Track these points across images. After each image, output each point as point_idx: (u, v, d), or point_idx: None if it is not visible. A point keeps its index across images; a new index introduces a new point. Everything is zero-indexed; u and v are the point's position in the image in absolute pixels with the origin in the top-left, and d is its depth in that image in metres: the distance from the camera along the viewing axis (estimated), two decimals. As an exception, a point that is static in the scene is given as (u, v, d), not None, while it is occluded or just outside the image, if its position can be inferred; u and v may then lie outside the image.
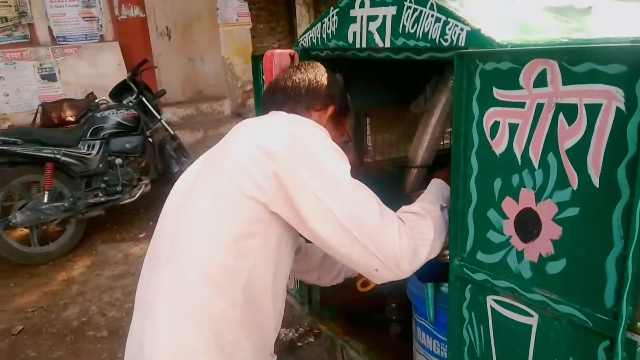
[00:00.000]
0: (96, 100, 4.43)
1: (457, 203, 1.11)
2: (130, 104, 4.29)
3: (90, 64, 5.16)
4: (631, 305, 0.84)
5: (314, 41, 1.55)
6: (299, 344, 2.77)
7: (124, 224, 4.47)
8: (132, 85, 4.33)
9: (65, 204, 3.84)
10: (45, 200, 3.77)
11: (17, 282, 3.59)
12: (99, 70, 5.16)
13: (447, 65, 1.78)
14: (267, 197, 1.06)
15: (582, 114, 0.85)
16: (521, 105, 0.95)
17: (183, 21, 6.44)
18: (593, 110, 0.84)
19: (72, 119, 4.66)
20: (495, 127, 1.00)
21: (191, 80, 6.64)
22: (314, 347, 2.75)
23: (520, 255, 1.01)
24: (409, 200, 2.04)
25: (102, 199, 4.06)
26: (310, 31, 1.57)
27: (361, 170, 1.79)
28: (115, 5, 5.44)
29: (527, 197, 0.97)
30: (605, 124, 0.83)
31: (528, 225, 0.98)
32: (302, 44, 1.63)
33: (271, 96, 1.31)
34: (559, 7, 1.33)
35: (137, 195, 4.25)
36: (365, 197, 1.08)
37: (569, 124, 0.88)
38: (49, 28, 5.13)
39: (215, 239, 1.06)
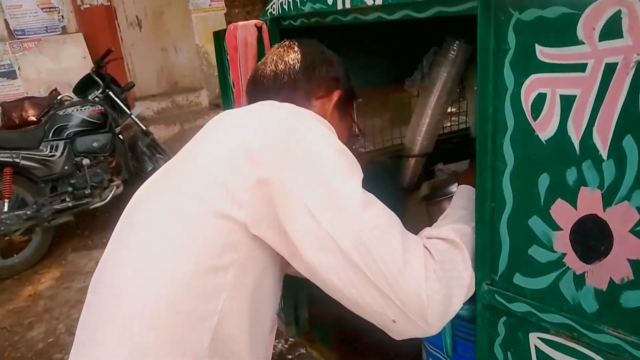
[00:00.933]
0: (59, 97, 4.08)
1: (484, 208, 0.81)
2: (96, 99, 3.96)
3: (53, 58, 4.78)
4: None
5: (285, 7, 1.24)
6: (290, 356, 2.50)
7: (96, 229, 4.14)
8: (97, 78, 4.00)
9: (28, 212, 3.49)
10: (6, 209, 3.43)
11: (-19, 297, 3.27)
12: (62, 64, 4.77)
13: (447, 32, 1.49)
14: (248, 215, 0.76)
15: (685, 76, 0.56)
16: (580, 68, 0.65)
17: (153, 9, 6.05)
18: None
19: (34, 119, 4.30)
20: (539, 101, 0.71)
21: (165, 71, 6.27)
22: (305, 359, 2.47)
23: (579, 280, 0.72)
24: (407, 196, 1.77)
25: (70, 204, 3.72)
26: (279, -5, 1.26)
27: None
28: (76, -7, 5.04)
29: (589, 200, 0.68)
30: None
31: (592, 238, 0.69)
32: (270, 12, 1.32)
33: (258, 85, 1.02)
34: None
35: (109, 198, 3.93)
36: (381, 219, 0.78)
37: (661, 92, 0.59)
38: (5, 21, 4.73)
39: (171, 274, 0.76)
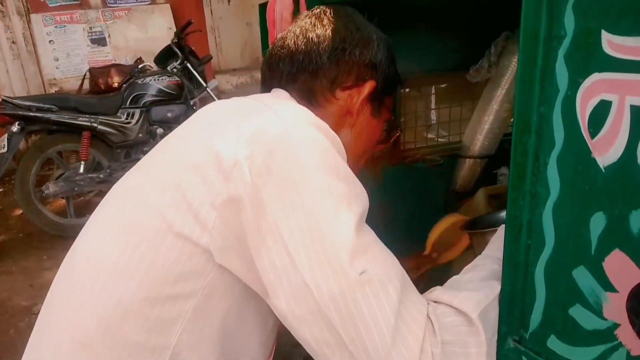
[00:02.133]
0: (140, 66, 4.19)
1: (519, 245, 0.62)
2: (174, 70, 4.03)
3: (141, 27, 4.93)
4: None
5: (326, -24, 1.08)
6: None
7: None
8: (177, 50, 4.06)
9: (101, 175, 3.64)
10: (82, 170, 3.60)
11: (50, 255, 3.46)
12: (149, 34, 4.92)
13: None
14: (212, 241, 0.62)
15: None
16: (665, 68, 0.45)
17: (242, -18, 6.06)
18: None
19: (119, 85, 4.48)
20: (601, 112, 0.50)
21: (249, 45, 6.30)
22: None
23: (635, 363, 0.52)
24: (456, 202, 1.55)
25: (142, 171, 3.83)
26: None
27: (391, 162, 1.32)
28: (168, -35, 5.15)
29: (661, 258, 0.48)
30: None
31: (658, 312, 0.49)
32: (310, -17, 1.16)
33: (272, 68, 0.85)
34: None
35: (178, 168, 4.00)
36: (376, 271, 0.60)
37: None
38: (100, -10, 4.95)
39: (113, 300, 0.65)
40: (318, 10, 0.88)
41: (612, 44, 0.48)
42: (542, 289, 0.61)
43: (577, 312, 0.57)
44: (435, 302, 0.65)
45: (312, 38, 0.82)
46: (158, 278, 0.63)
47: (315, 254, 0.59)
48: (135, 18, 4.94)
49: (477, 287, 0.67)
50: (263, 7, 1.44)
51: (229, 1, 6.24)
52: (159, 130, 3.91)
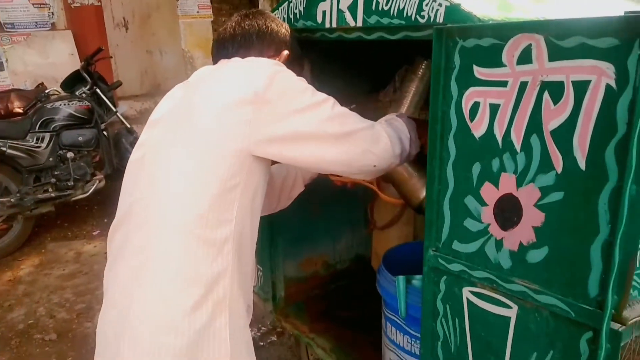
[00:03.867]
0: (46, 91, 4.19)
1: (433, 190, 1.05)
2: (84, 95, 4.09)
3: (41, 53, 4.89)
4: (617, 294, 0.80)
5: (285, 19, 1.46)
6: (261, 343, 2.68)
7: (76, 221, 4.25)
8: (86, 75, 4.13)
9: (12, 200, 3.60)
10: (-11, 195, 3.54)
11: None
12: (50, 59, 4.89)
13: (418, 53, 1.74)
14: (248, 138, 0.99)
15: (569, 92, 0.80)
16: (503, 84, 0.90)
17: (141, 12, 6.20)
18: (581, 88, 0.79)
19: (20, 110, 4.37)
20: (475, 108, 0.95)
21: (149, 73, 6.41)
22: (276, 346, 2.65)
23: (499, 244, 0.95)
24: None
25: (52, 195, 3.84)
26: (276, 12, 1.48)
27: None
28: (68, -8, 5.18)
29: (507, 182, 0.92)
30: (593, 102, 0.78)
31: (508, 211, 0.93)
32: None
33: (221, 46, 1.23)
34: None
35: (91, 191, 4.04)
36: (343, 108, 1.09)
37: (555, 103, 0.83)
38: (-4, 14, 4.84)
39: (198, 198, 0.98)
40: (244, 11, 1.28)
41: (479, 72, 0.93)
42: (448, 214, 1.03)
43: (468, 223, 1.00)
44: None
45: (243, 26, 1.21)
46: (224, 177, 0.98)
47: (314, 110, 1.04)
48: (34, 43, 4.89)
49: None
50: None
51: (126, 29, 6.33)
52: (69, 154, 3.94)
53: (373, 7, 1.15)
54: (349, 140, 1.05)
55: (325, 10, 1.29)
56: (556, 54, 0.81)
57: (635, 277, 1.00)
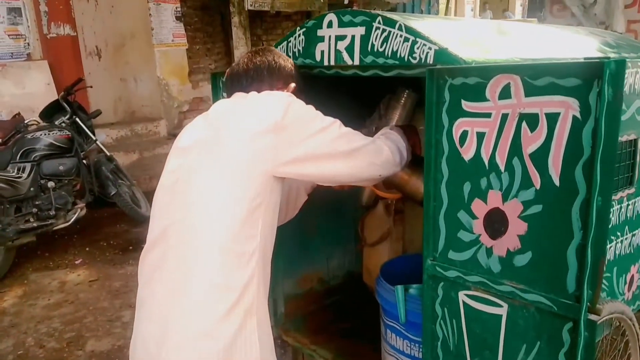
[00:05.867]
0: (26, 121, 4.21)
1: (429, 206, 1.20)
2: (63, 124, 4.13)
3: (17, 83, 4.90)
4: (591, 289, 0.96)
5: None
6: None
7: (57, 250, 4.23)
8: (65, 105, 4.17)
9: (-6, 231, 3.59)
10: (-30, 227, 3.52)
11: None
12: (26, 90, 4.91)
13: (400, 84, 1.91)
14: (272, 161, 1.13)
15: (543, 122, 0.97)
16: (488, 115, 1.06)
17: (115, 40, 6.28)
18: (552, 119, 0.96)
19: (2, 141, 4.39)
20: (464, 135, 1.11)
21: (124, 100, 6.46)
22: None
23: (489, 251, 1.11)
24: (361, 214, 2.15)
25: (34, 225, 3.83)
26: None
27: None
28: (44, 23, 5.22)
29: (494, 198, 1.08)
30: (563, 130, 0.95)
31: (496, 223, 1.09)
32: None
33: (235, 80, 1.36)
34: (501, 27, 1.49)
35: (72, 220, 4.04)
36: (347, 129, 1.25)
37: (532, 131, 1.00)
38: (-29, 45, 4.84)
39: (230, 216, 1.11)
40: (255, 49, 1.43)
41: (466, 105, 1.09)
42: (443, 227, 1.19)
43: (461, 234, 1.15)
44: None
45: (255, 62, 1.36)
46: (249, 198, 1.11)
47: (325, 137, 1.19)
48: (10, 74, 4.90)
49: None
50: (215, 76, 1.92)
51: (99, 57, 6.38)
52: (50, 184, 3.95)
53: (369, 49, 1.32)
54: (356, 156, 1.21)
55: (324, 50, 1.45)
56: (531, 90, 0.98)
57: (604, 281, 1.18)
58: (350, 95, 1.88)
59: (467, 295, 1.17)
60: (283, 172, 1.16)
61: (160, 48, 6.07)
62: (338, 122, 1.23)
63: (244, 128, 1.15)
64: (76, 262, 4.04)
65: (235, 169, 1.12)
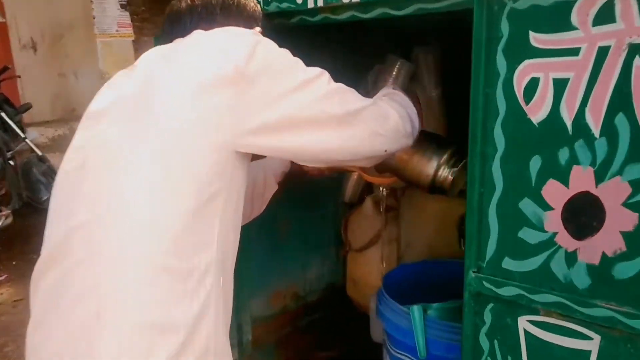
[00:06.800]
0: (-60, 117, 3.64)
1: (473, 194, 0.83)
2: (-15, 120, 3.60)
3: None
4: None
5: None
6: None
7: (-21, 263, 3.66)
8: (-12, 98, 3.65)
9: None
10: None
11: None
12: (-56, 81, 4.27)
13: (391, 52, 1.55)
14: (231, 129, 0.76)
15: (675, 55, 0.63)
16: (574, 52, 0.70)
17: (52, 31, 5.69)
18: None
19: None
20: (532, 86, 0.75)
21: (63, 97, 5.87)
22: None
23: (571, 257, 0.75)
24: (349, 211, 1.78)
25: (-51, 235, 3.27)
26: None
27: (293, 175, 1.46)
28: (-34, 7, 4.61)
29: (581, 178, 0.72)
30: None
31: (584, 215, 0.73)
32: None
33: (175, 21, 0.96)
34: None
35: (-4, 230, 3.53)
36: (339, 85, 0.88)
37: (652, 70, 0.64)
38: None
39: (168, 215, 0.72)
40: None
41: (537, 39, 0.73)
42: (495, 224, 0.82)
43: (524, 233, 0.79)
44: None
45: None
46: (200, 185, 0.74)
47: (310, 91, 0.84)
48: None
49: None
50: (157, 40, 1.50)
51: (34, 50, 5.77)
52: (-31, 188, 3.42)
53: (376, -25, 0.94)
54: (352, 122, 0.85)
55: (309, -14, 1.06)
56: (655, 6, 0.63)
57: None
58: (342, 58, 1.50)
59: (533, 322, 0.80)
60: (248, 146, 0.79)
61: (103, 39, 5.52)
62: (326, 73, 0.85)
63: (186, 79, 0.76)
64: (0, 279, 3.49)
65: (175, 142, 0.73)
